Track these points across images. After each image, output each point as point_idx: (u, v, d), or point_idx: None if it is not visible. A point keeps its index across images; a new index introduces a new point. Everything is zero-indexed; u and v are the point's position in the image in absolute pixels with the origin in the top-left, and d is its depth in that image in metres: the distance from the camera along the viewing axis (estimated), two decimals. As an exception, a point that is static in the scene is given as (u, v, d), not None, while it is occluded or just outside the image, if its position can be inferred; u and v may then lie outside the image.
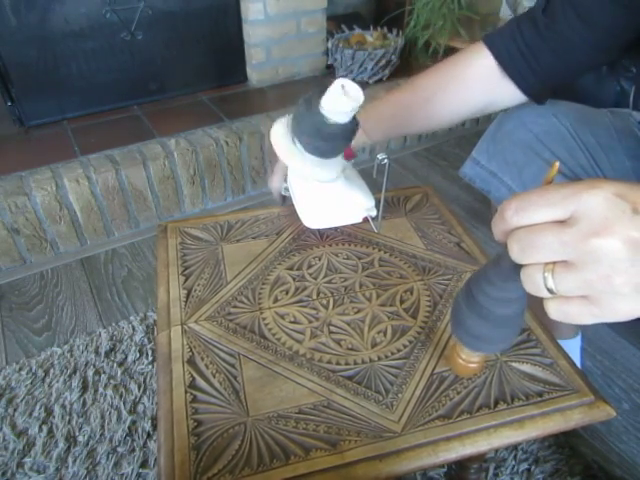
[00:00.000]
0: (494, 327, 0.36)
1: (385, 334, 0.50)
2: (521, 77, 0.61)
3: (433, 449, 0.40)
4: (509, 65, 0.60)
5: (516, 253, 0.27)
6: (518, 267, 0.29)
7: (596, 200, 0.24)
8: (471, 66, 0.63)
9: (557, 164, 0.29)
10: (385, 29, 1.70)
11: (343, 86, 0.47)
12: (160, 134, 1.34)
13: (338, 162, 0.56)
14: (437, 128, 0.71)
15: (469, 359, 0.43)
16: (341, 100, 0.47)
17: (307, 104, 0.50)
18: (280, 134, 0.55)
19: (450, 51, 1.78)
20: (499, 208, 0.28)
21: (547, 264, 0.26)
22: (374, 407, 0.43)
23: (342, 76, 1.65)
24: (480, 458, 0.59)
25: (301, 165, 0.55)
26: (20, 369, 0.91)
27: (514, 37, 0.59)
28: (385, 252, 0.60)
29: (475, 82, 0.63)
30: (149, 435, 0.80)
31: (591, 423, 0.44)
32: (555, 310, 0.27)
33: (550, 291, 0.27)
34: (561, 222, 0.26)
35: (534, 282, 0.27)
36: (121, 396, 0.86)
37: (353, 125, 0.51)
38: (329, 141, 0.51)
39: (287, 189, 0.67)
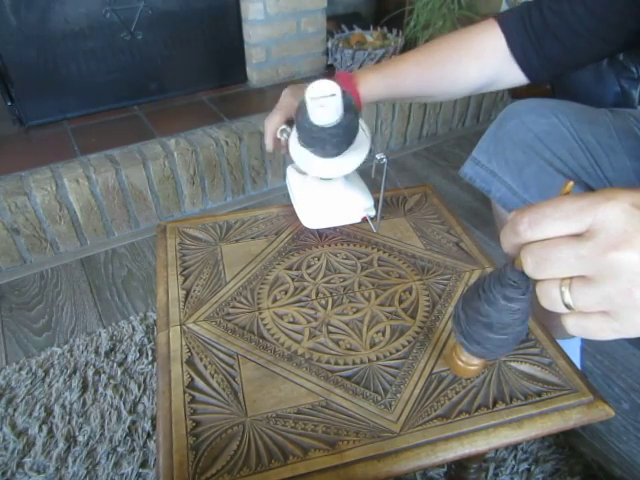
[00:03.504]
0: (496, 334, 0.36)
1: (384, 334, 0.50)
2: (525, 59, 0.61)
3: (432, 449, 0.40)
4: (515, 46, 0.60)
5: (531, 268, 0.27)
6: (526, 279, 0.29)
7: (613, 212, 0.24)
8: (484, 39, 0.63)
9: (572, 184, 0.28)
10: (385, 29, 1.70)
11: (311, 98, 0.48)
12: (160, 134, 1.34)
13: (344, 161, 0.56)
14: (444, 96, 0.70)
15: (469, 362, 0.43)
16: (316, 113, 0.48)
17: (299, 112, 0.51)
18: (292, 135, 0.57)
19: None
20: (509, 220, 0.28)
21: (564, 279, 0.26)
22: (373, 407, 0.43)
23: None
24: (480, 458, 0.59)
25: (308, 164, 0.57)
26: (20, 369, 0.91)
27: (523, 19, 0.60)
28: (384, 252, 0.60)
29: (487, 55, 0.63)
30: (149, 435, 0.80)
31: (590, 423, 0.44)
32: (574, 326, 0.27)
33: (567, 306, 0.26)
34: (577, 235, 0.25)
35: (551, 297, 0.26)
36: (121, 396, 0.86)
37: (350, 122, 0.52)
38: (324, 144, 0.52)
39: (283, 131, 0.61)
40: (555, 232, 0.26)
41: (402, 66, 0.66)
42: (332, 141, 0.51)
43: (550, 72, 0.62)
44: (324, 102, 0.47)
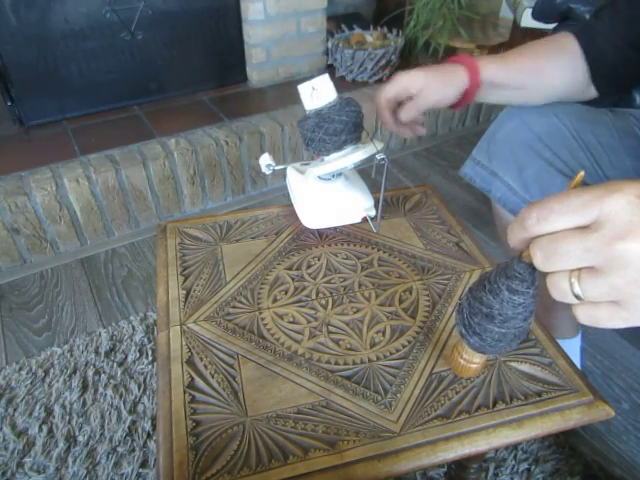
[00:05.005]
0: (497, 327, 0.36)
1: (384, 334, 0.50)
2: (599, 85, 0.62)
3: (432, 449, 0.40)
4: (597, 73, 0.61)
5: (540, 261, 0.27)
6: (532, 272, 0.29)
7: (618, 204, 0.24)
8: (574, 50, 0.63)
9: (582, 174, 0.28)
10: (385, 29, 1.70)
11: (313, 88, 0.53)
12: (160, 134, 1.34)
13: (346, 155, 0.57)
14: (539, 101, 0.68)
15: (471, 360, 0.43)
16: (306, 101, 0.55)
17: (301, 120, 0.57)
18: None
19: (450, 51, 1.78)
20: (518, 216, 0.28)
21: (573, 271, 0.26)
22: (373, 407, 0.43)
23: (342, 76, 1.65)
24: (480, 458, 0.59)
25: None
26: (20, 369, 0.91)
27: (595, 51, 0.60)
28: (384, 252, 0.60)
29: (576, 63, 0.63)
30: (149, 435, 0.80)
31: (590, 423, 0.44)
32: (584, 316, 0.27)
33: (577, 297, 0.27)
34: (584, 228, 0.25)
35: (561, 289, 0.27)
36: (121, 396, 0.86)
37: (348, 118, 0.54)
38: (327, 130, 0.55)
39: (269, 166, 0.62)
40: (562, 226, 0.26)
41: (511, 56, 0.65)
42: (332, 127, 0.54)
43: (619, 93, 0.65)
44: (315, 85, 0.53)
